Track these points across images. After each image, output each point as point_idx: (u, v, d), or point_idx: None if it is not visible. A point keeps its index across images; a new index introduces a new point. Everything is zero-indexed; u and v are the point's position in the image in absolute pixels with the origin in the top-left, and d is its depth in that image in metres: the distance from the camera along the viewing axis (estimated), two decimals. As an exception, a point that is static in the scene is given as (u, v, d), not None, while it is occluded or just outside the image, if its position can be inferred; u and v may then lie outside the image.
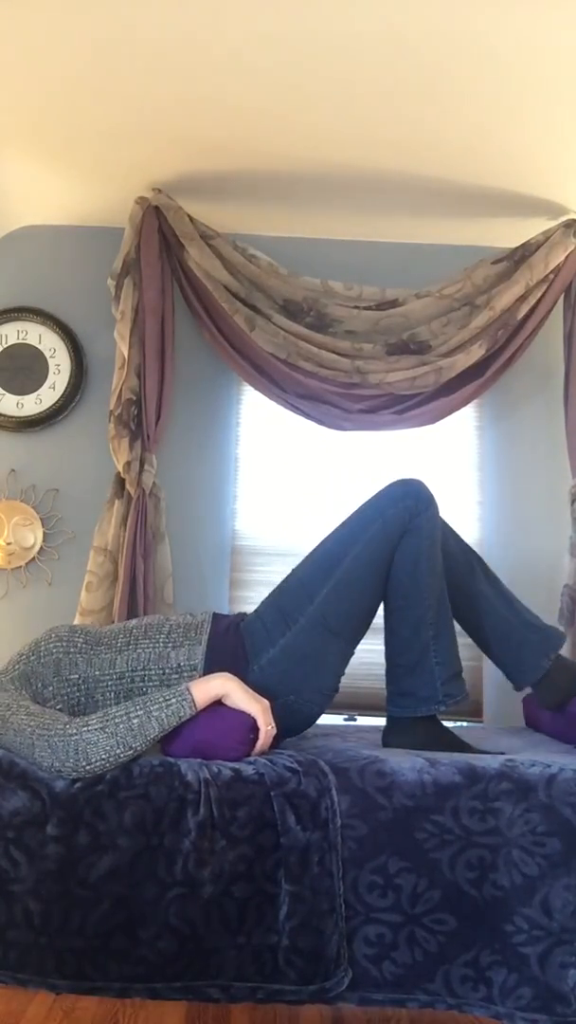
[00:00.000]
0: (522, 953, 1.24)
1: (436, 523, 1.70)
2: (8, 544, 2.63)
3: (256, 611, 1.72)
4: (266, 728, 1.43)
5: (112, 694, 1.52)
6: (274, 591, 1.75)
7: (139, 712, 1.34)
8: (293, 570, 1.75)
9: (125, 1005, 1.61)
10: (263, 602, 1.74)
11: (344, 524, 1.72)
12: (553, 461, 2.70)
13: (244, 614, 1.74)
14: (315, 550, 1.73)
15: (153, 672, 1.54)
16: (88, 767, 1.28)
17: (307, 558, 1.73)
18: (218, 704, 1.44)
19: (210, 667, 1.54)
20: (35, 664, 1.52)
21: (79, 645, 1.56)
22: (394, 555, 1.66)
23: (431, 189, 2.48)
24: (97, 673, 1.52)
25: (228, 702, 1.43)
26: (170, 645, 1.57)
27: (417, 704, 1.66)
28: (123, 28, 1.85)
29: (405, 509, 1.65)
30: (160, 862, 1.25)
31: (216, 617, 1.68)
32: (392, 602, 1.70)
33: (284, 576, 1.78)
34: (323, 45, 1.89)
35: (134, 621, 1.66)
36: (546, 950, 1.24)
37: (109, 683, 1.51)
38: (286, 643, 1.60)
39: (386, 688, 1.73)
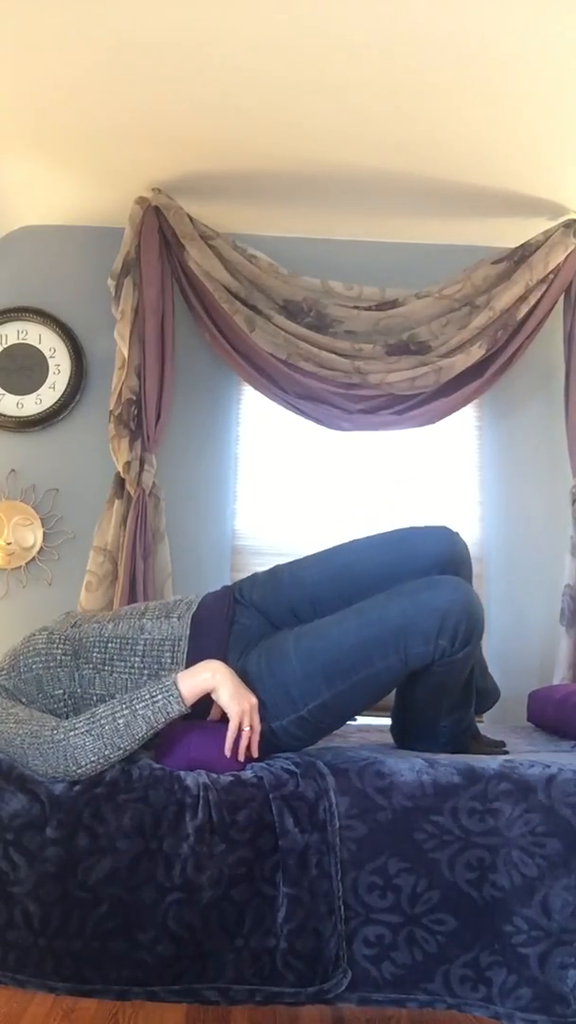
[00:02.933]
0: (522, 954, 1.24)
1: (472, 655, 1.47)
2: (8, 544, 2.63)
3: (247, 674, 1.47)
4: (246, 730, 1.36)
5: None
6: (266, 664, 1.48)
7: (125, 712, 1.32)
8: (291, 655, 1.47)
9: (125, 1006, 1.61)
10: (258, 665, 1.48)
11: (362, 621, 1.44)
12: (553, 461, 2.70)
13: (227, 641, 1.53)
14: (321, 643, 1.45)
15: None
16: (79, 770, 1.28)
17: (311, 648, 1.46)
18: (213, 721, 1.42)
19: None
20: (16, 681, 1.48)
21: (58, 658, 1.49)
22: (417, 674, 1.47)
23: (431, 189, 2.48)
24: (79, 690, 1.48)
25: (215, 697, 1.37)
26: (145, 672, 1.48)
27: (416, 746, 1.62)
28: (124, 29, 1.85)
29: (437, 649, 1.41)
30: (159, 866, 1.25)
31: (194, 631, 1.51)
32: (408, 697, 1.59)
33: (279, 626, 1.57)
34: (323, 46, 1.89)
35: (110, 627, 1.53)
36: (546, 951, 1.24)
37: (92, 701, 1.47)
38: (269, 732, 1.45)
39: (391, 711, 1.68)
